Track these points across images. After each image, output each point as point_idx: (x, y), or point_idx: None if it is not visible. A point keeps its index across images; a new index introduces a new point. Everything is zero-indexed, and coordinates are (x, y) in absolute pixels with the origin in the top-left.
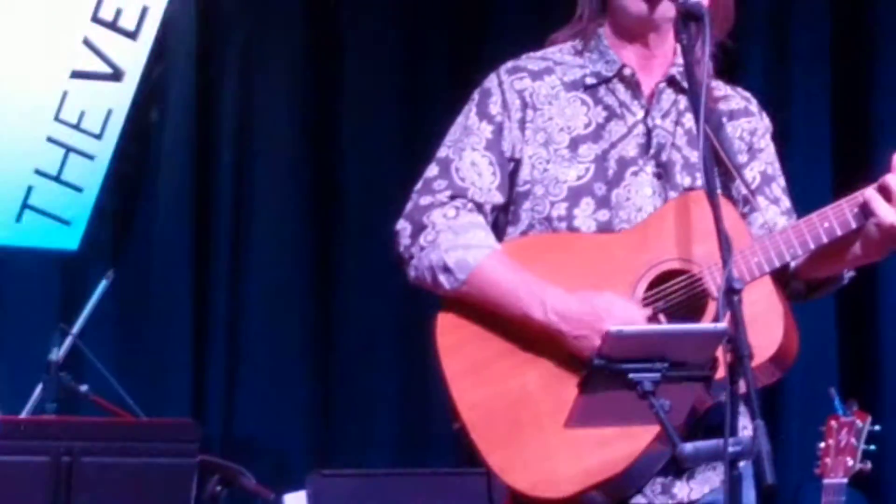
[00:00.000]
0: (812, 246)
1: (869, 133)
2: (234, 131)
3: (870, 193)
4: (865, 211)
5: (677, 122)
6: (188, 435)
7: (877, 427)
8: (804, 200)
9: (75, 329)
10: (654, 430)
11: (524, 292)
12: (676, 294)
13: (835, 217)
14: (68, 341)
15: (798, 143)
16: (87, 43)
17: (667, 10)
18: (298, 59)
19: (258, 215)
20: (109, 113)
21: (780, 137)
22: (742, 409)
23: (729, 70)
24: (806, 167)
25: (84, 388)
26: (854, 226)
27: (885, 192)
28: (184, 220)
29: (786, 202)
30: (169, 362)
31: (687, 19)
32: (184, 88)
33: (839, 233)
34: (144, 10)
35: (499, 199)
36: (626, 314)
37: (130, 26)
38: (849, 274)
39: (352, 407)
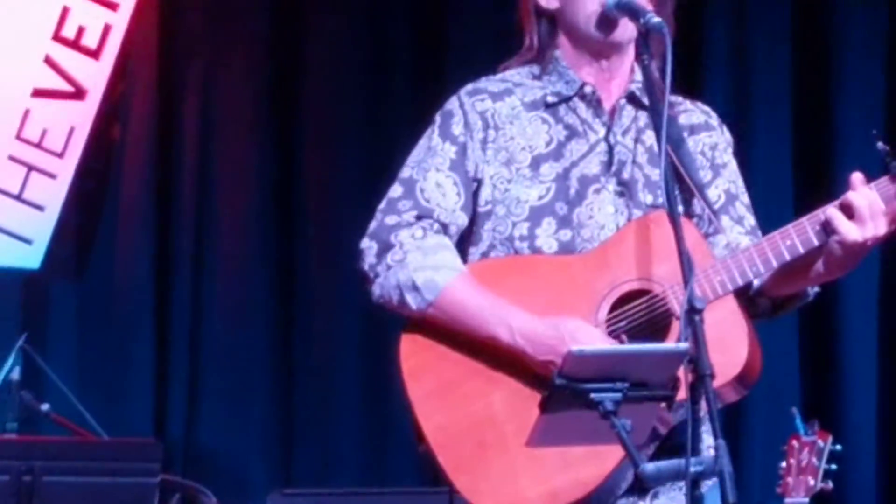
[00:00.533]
0: (775, 264)
1: (830, 146)
2: (196, 149)
3: (832, 212)
4: (828, 229)
5: (637, 140)
6: (149, 454)
7: (838, 446)
8: (766, 215)
9: None
10: (620, 450)
11: (491, 315)
12: (640, 314)
13: (797, 235)
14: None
15: (759, 157)
16: (48, 61)
17: (628, 31)
18: (260, 79)
19: (220, 232)
20: (71, 131)
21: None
22: (706, 426)
23: (690, 84)
24: (767, 181)
25: (45, 406)
26: (816, 243)
27: (846, 209)
28: (146, 238)
29: (750, 220)
30: (130, 380)
31: (648, 39)
32: (146, 107)
33: (801, 251)
34: (107, 29)
35: (463, 219)
36: (590, 339)
37: (92, 45)
38: (814, 290)
39: (314, 425)
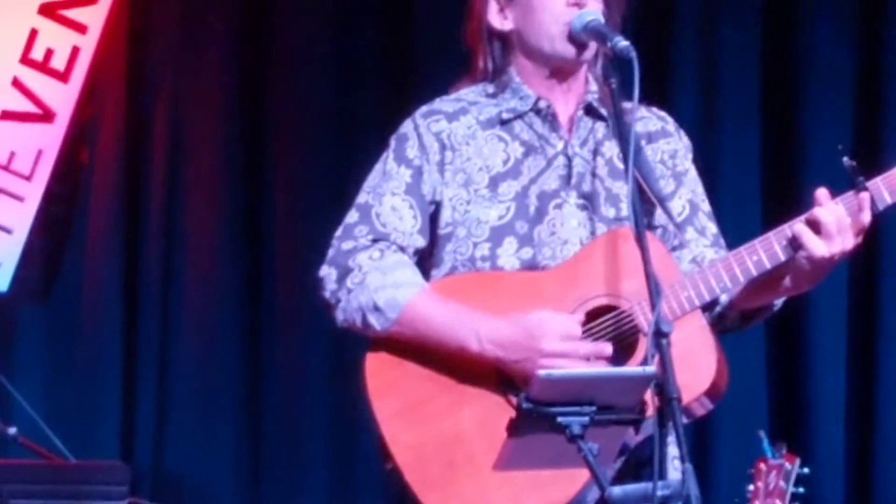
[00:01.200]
0: (742, 279)
1: (798, 161)
2: (164, 172)
3: (799, 228)
4: (795, 244)
5: (596, 152)
6: (117, 477)
7: (805, 469)
8: (734, 228)
9: None
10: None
11: (457, 324)
12: (607, 330)
13: (763, 250)
14: None
15: (727, 171)
16: (16, 84)
17: (591, 52)
18: (228, 103)
19: (188, 255)
20: (40, 154)
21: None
22: (672, 439)
23: (658, 99)
24: (735, 195)
25: (12, 430)
26: (783, 258)
27: (814, 225)
28: (113, 261)
29: (712, 228)
30: (98, 403)
31: (615, 61)
32: (114, 130)
33: (768, 266)
34: (75, 52)
35: (421, 242)
36: (560, 327)
37: (61, 67)
38: (781, 299)
39: (283, 447)
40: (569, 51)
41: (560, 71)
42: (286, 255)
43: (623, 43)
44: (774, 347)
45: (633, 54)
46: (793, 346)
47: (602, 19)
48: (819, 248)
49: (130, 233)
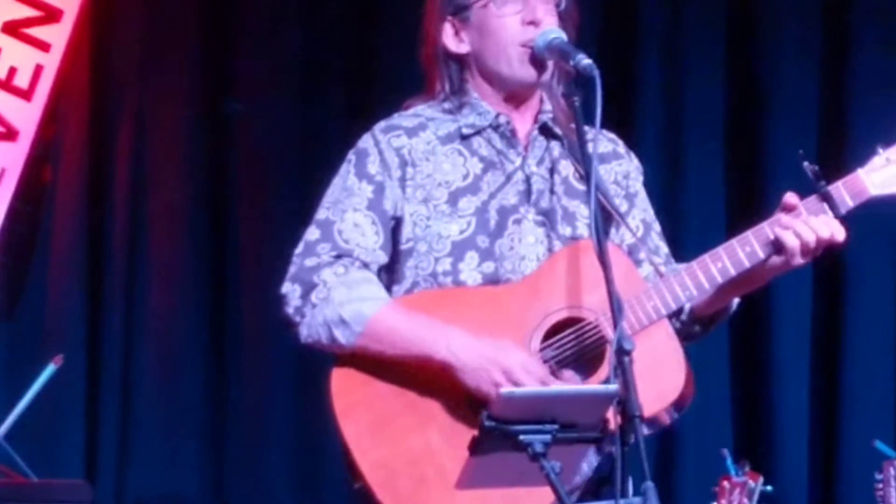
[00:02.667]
0: (707, 287)
1: (762, 176)
2: (128, 191)
3: (790, 239)
4: (777, 246)
5: (553, 170)
6: (80, 496)
7: (769, 487)
8: (700, 244)
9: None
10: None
11: (424, 333)
12: (572, 343)
13: (728, 257)
14: None
15: (692, 187)
16: None
17: (550, 72)
18: (193, 120)
19: (151, 274)
20: (3, 173)
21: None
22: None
23: (622, 115)
24: (700, 211)
25: None
26: (748, 265)
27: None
28: (77, 281)
29: (664, 248)
30: (61, 422)
31: (577, 79)
32: (77, 148)
33: (733, 273)
34: (38, 70)
35: (383, 258)
36: (524, 360)
37: (24, 85)
38: (735, 301)
39: (247, 466)
40: (529, 74)
41: (518, 94)
42: (250, 274)
43: (586, 61)
44: (738, 365)
45: (596, 72)
46: (756, 364)
47: (565, 37)
48: (799, 260)
49: (93, 252)
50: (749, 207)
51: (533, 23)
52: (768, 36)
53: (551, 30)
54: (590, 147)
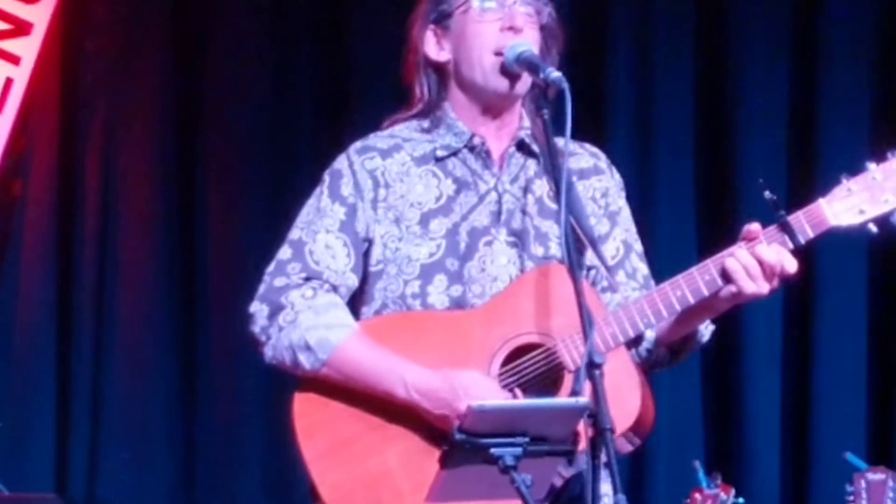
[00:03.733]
0: (665, 314)
1: (733, 191)
2: (98, 204)
3: (731, 264)
4: (726, 276)
5: (527, 189)
6: None
7: (741, 500)
8: (670, 260)
9: None
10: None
11: (386, 371)
12: (532, 368)
13: (687, 286)
14: None
15: (662, 203)
16: None
17: (525, 85)
18: (162, 132)
19: (121, 287)
20: None
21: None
22: (604, 475)
23: (593, 129)
24: (670, 226)
25: None
26: (706, 293)
27: (746, 269)
28: (46, 294)
29: (643, 270)
30: (31, 435)
31: (547, 92)
32: (47, 161)
33: (692, 301)
34: (8, 83)
35: (353, 281)
36: (485, 394)
37: None
38: (709, 329)
39: (217, 478)
40: (501, 84)
41: (493, 106)
42: (219, 286)
43: (555, 74)
44: (710, 377)
45: (566, 85)
46: (728, 376)
47: (535, 50)
48: (749, 286)
49: (63, 265)
50: (720, 223)
51: (512, 28)
52: (738, 47)
53: (521, 42)
54: (570, 163)
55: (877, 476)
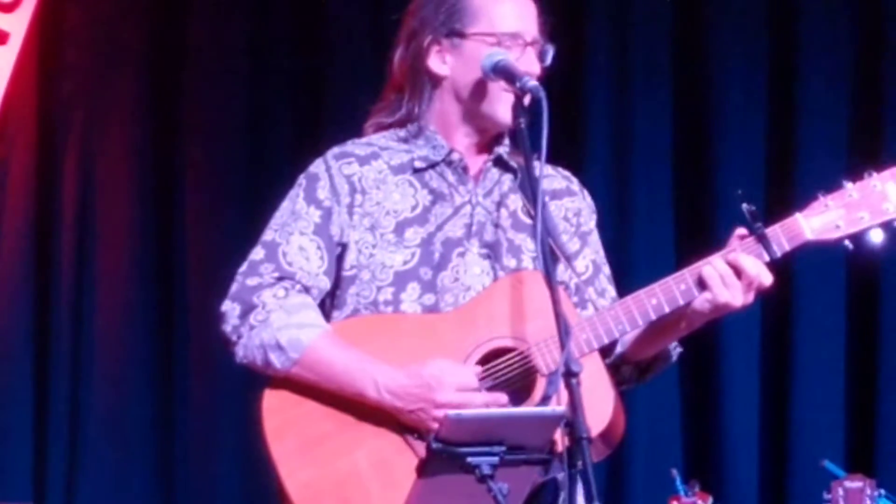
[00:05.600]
0: (640, 322)
1: (711, 204)
2: (75, 214)
3: (708, 271)
4: (702, 284)
5: (501, 203)
6: None
7: None
8: (648, 274)
9: None
10: None
11: (357, 371)
12: (505, 371)
13: (662, 294)
14: None
15: (641, 218)
16: None
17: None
18: (140, 140)
19: (100, 296)
20: None
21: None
22: (578, 486)
23: (570, 146)
24: (649, 240)
25: None
26: (681, 302)
27: (723, 276)
28: (24, 306)
29: (611, 292)
30: (9, 447)
31: (524, 102)
32: (25, 171)
33: (667, 310)
34: None
35: (325, 284)
36: (456, 378)
37: None
38: (677, 350)
39: (196, 488)
40: (506, 117)
41: (485, 132)
42: (198, 296)
43: (532, 82)
44: (688, 385)
45: (542, 94)
46: (706, 384)
47: (510, 58)
48: (724, 294)
49: (41, 275)
50: (698, 234)
51: (528, 74)
52: (716, 60)
53: (497, 52)
54: (543, 183)
55: (854, 484)
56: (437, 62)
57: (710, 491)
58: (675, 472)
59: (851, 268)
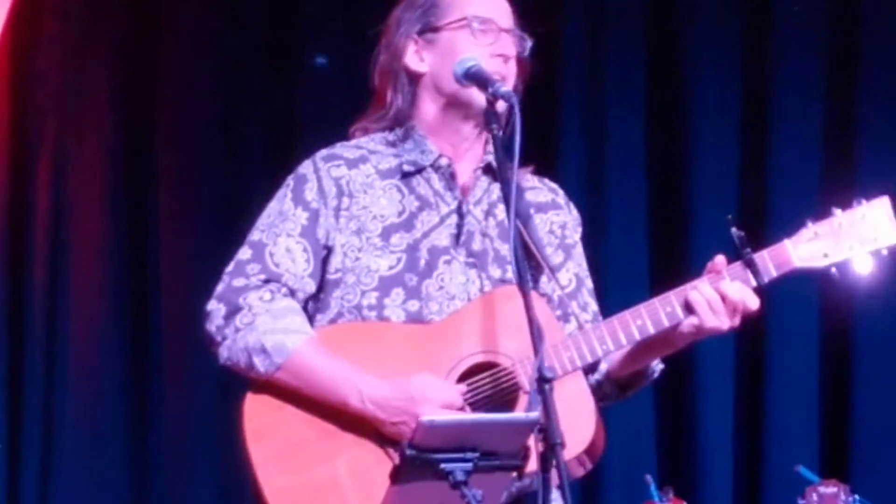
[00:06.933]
0: (624, 342)
1: (685, 217)
2: (48, 222)
3: (695, 296)
4: (689, 308)
5: (489, 213)
6: None
7: None
8: (622, 287)
9: None
10: None
11: (341, 380)
12: (486, 387)
13: (648, 315)
14: None
15: (615, 229)
16: None
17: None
18: (112, 152)
19: (72, 303)
20: None
21: (596, 225)
22: (556, 494)
23: (544, 155)
24: (623, 254)
25: None
26: (667, 324)
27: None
28: None
29: (593, 306)
30: None
31: (497, 108)
32: None
33: (652, 331)
34: None
35: (311, 286)
36: (441, 395)
37: None
38: (658, 367)
39: (171, 494)
40: (480, 100)
41: (462, 126)
42: (171, 302)
43: (504, 88)
44: (663, 391)
45: (515, 100)
46: (681, 389)
47: (482, 64)
48: (711, 321)
49: (14, 282)
50: (672, 246)
51: (503, 56)
52: (690, 68)
53: (469, 57)
54: (528, 196)
55: (829, 489)
56: (416, 60)
57: (684, 497)
58: (649, 478)
59: (825, 276)
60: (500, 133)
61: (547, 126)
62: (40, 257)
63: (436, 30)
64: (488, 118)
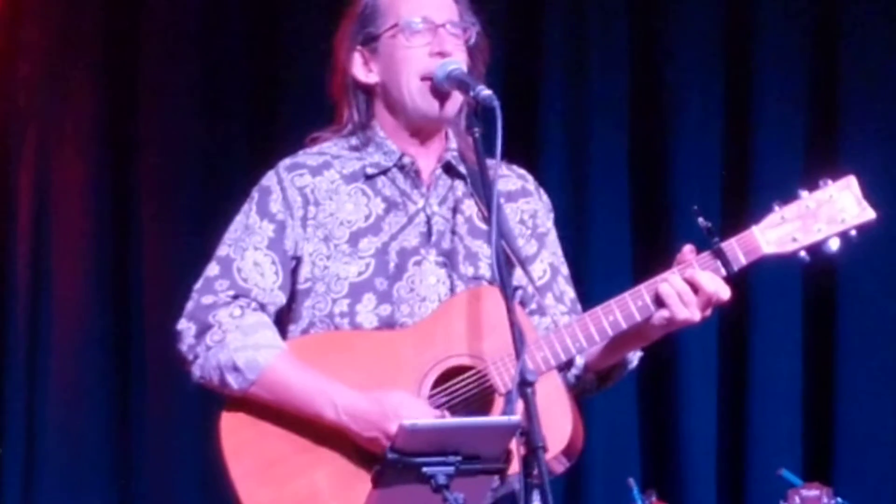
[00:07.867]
0: (597, 339)
1: (667, 211)
2: (30, 228)
3: (665, 289)
4: (659, 302)
5: (456, 210)
6: None
7: None
8: (605, 282)
9: None
10: None
11: (315, 393)
12: (463, 390)
13: (619, 310)
14: None
15: (598, 225)
16: None
17: (454, 106)
18: (95, 155)
19: (55, 312)
20: None
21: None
22: (535, 497)
23: (526, 151)
24: (606, 249)
25: None
26: (639, 318)
27: (681, 294)
28: None
29: (570, 293)
30: None
31: (478, 111)
32: None
33: (624, 326)
34: None
35: (281, 299)
36: (415, 414)
37: None
38: (637, 355)
39: (152, 501)
40: (430, 107)
41: (422, 129)
42: (155, 312)
43: (486, 92)
44: (646, 393)
45: (496, 103)
46: (664, 392)
47: (465, 69)
48: (682, 312)
49: None
50: (655, 244)
51: (441, 54)
52: (673, 70)
53: (450, 61)
54: (499, 185)
55: (811, 492)
56: (364, 72)
57: (667, 499)
58: (631, 481)
59: (808, 275)
60: (479, 135)
61: (530, 123)
62: (23, 261)
63: (376, 38)
64: (469, 121)
